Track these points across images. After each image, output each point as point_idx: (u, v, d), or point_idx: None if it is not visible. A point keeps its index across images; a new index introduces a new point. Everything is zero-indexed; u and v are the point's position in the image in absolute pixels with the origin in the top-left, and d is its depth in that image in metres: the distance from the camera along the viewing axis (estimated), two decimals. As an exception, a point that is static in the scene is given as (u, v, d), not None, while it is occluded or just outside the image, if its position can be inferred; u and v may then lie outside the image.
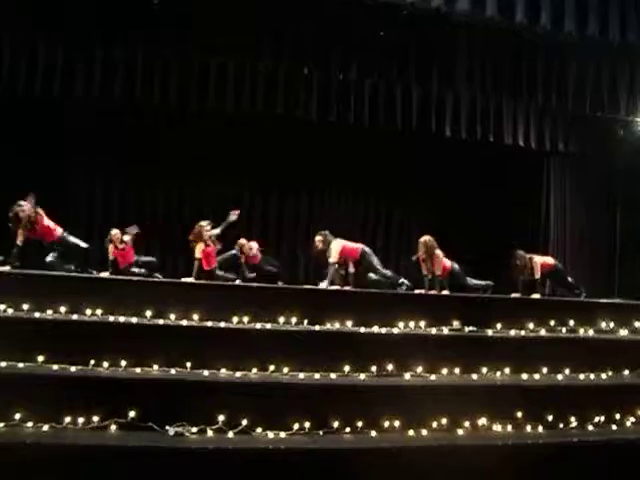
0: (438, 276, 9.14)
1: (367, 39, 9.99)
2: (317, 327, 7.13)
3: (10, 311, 6.54)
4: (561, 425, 6.58)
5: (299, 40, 9.91)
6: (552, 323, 8.05)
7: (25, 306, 6.60)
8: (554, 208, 12.44)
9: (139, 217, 11.17)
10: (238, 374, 6.26)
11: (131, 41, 9.62)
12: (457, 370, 6.98)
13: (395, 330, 7.32)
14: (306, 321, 7.17)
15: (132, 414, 5.51)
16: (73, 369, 5.90)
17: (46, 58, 9.51)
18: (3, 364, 5.82)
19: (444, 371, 6.91)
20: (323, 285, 8.81)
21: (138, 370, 6.08)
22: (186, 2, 9.42)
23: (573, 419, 6.62)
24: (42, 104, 9.98)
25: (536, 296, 9.27)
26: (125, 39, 9.57)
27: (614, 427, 6.73)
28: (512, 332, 7.74)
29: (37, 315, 6.52)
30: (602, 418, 6.74)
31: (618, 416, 6.81)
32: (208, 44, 9.77)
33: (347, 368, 6.56)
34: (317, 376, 6.42)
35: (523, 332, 7.80)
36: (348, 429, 5.96)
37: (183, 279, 8.43)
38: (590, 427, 6.65)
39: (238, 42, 9.73)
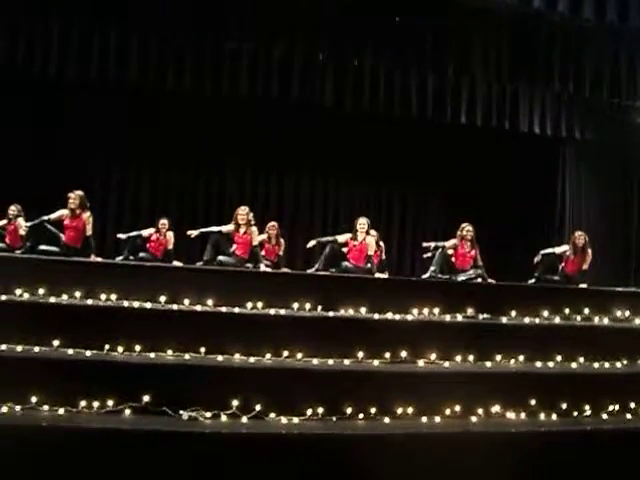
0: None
1: (382, 25, 9.94)
2: (331, 313, 7.13)
3: (26, 296, 6.58)
4: (575, 413, 6.53)
5: (314, 26, 9.87)
6: (567, 311, 8.00)
7: (41, 291, 6.64)
8: (570, 195, 12.42)
9: (152, 203, 11.29)
10: (252, 359, 6.26)
11: (146, 25, 9.63)
12: (471, 357, 6.94)
13: (409, 317, 7.30)
14: (320, 307, 7.16)
15: (146, 398, 5.53)
16: (88, 354, 5.92)
17: (59, 40, 9.61)
18: (19, 348, 5.86)
19: (458, 358, 6.88)
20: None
21: (152, 355, 6.10)
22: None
23: (587, 407, 6.58)
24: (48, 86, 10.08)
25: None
26: (140, 23, 9.58)
27: (629, 416, 6.67)
28: (526, 320, 7.69)
29: (52, 300, 6.56)
30: (617, 407, 6.68)
31: (633, 405, 6.76)
32: (223, 30, 9.77)
33: (361, 354, 6.55)
34: (331, 362, 6.41)
35: (537, 320, 7.75)
36: (361, 415, 5.95)
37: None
38: (604, 416, 6.61)
39: (253, 27, 9.72)
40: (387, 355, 6.65)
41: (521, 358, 7.10)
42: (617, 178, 12.33)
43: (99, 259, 8.41)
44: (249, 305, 6.93)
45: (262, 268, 8.77)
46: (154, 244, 9.49)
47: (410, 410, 6.06)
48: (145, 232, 9.39)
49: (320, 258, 9.02)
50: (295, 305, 7.08)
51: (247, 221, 9.04)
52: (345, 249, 9.02)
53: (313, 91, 10.48)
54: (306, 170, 12.04)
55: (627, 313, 8.25)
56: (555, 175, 12.43)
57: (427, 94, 10.92)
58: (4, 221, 9.02)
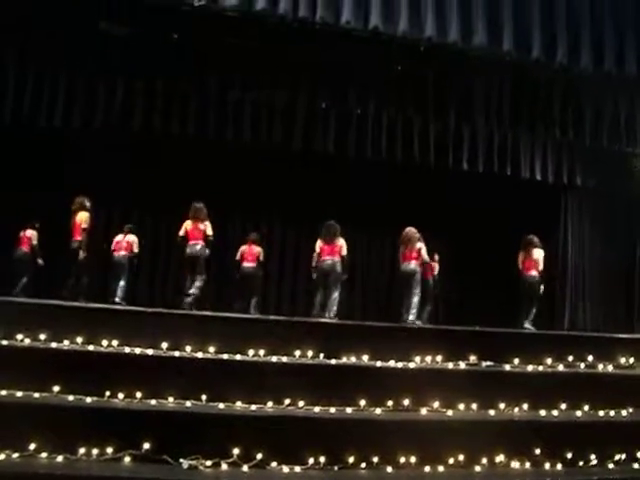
0: None
1: (384, 73, 10.08)
2: (333, 361, 7.09)
3: (27, 341, 6.56)
4: (581, 463, 6.46)
5: (316, 74, 10.01)
6: (570, 359, 7.95)
7: (42, 336, 6.61)
8: (572, 241, 12.40)
9: (154, 247, 11.32)
10: (253, 407, 6.22)
11: (150, 73, 9.79)
12: (474, 406, 6.89)
13: (411, 365, 7.26)
14: (322, 355, 7.13)
15: (146, 446, 5.49)
16: (88, 400, 5.89)
17: (66, 90, 9.75)
18: (19, 394, 5.82)
19: (461, 406, 6.83)
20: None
21: (153, 402, 6.06)
22: (204, 36, 9.55)
23: (593, 457, 6.51)
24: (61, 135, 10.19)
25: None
26: (145, 71, 9.74)
27: (636, 465, 6.60)
28: (530, 367, 7.65)
29: (54, 345, 6.53)
30: (623, 456, 6.61)
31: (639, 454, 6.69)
32: (225, 78, 9.92)
33: (363, 402, 6.50)
34: (333, 410, 6.36)
35: (541, 367, 7.70)
36: (364, 464, 5.90)
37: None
38: (611, 465, 6.53)
39: (255, 76, 9.87)
40: (389, 403, 6.60)
41: (525, 406, 7.04)
42: (619, 225, 12.33)
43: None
44: (251, 352, 6.89)
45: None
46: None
47: (413, 459, 6.01)
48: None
49: None
50: (297, 352, 7.04)
51: None
52: None
53: (315, 138, 10.58)
54: (307, 216, 12.04)
55: (631, 360, 8.20)
56: (557, 222, 12.45)
57: (429, 141, 11.01)
58: None
